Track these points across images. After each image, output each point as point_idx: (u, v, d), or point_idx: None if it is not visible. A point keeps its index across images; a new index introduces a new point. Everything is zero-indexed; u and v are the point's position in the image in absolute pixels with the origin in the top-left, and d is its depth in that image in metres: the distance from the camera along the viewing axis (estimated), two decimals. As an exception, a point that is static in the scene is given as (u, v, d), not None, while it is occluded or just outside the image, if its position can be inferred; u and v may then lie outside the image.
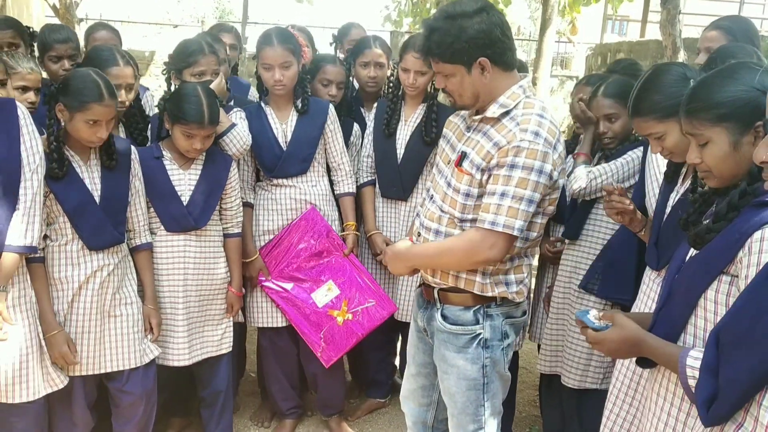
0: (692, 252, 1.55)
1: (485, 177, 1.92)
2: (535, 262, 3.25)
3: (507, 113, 1.94)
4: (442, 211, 2.04)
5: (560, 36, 13.51)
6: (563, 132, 2.99)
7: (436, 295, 2.09)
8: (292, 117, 2.95)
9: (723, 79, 1.47)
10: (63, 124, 2.31)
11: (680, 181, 2.01)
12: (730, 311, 1.33)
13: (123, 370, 2.49)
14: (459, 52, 1.88)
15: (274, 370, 3.12)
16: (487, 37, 1.87)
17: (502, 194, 1.86)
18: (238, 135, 2.72)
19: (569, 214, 2.70)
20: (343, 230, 3.05)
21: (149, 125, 2.84)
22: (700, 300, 1.47)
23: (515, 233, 1.86)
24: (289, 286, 2.93)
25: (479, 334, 2.03)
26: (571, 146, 2.82)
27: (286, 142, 2.92)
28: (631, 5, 9.94)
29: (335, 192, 3.08)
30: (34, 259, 2.27)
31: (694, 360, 1.38)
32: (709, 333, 1.35)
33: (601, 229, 2.58)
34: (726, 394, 1.30)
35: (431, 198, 2.11)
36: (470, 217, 1.97)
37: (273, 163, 2.91)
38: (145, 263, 2.56)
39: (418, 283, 2.28)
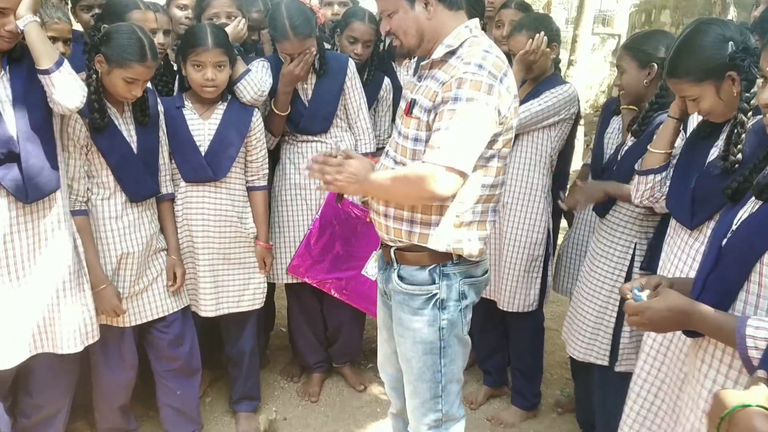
0: (743, 213, 1.44)
1: (432, 117, 1.84)
2: (563, 223, 3.22)
3: (453, 53, 1.87)
4: (395, 162, 1.96)
5: (603, -8, 13.07)
6: (603, 92, 2.89)
7: (392, 255, 2.01)
8: (312, 77, 2.90)
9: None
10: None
11: (722, 136, 1.92)
12: None
13: (164, 317, 2.55)
14: None
15: (300, 325, 3.16)
16: None
17: (447, 128, 1.76)
18: (252, 81, 2.65)
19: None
20: None
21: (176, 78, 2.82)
22: (756, 265, 1.36)
23: (457, 167, 1.76)
24: (340, 274, 2.94)
25: (435, 294, 1.94)
26: (611, 106, 2.75)
27: (307, 100, 2.89)
28: (679, -41, 9.52)
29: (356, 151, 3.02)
30: (77, 212, 2.29)
31: (755, 330, 1.28)
32: None
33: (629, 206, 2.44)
34: None
35: (386, 154, 2.04)
36: None
37: (296, 118, 2.89)
38: (167, 213, 2.57)
39: (379, 245, 2.17)
